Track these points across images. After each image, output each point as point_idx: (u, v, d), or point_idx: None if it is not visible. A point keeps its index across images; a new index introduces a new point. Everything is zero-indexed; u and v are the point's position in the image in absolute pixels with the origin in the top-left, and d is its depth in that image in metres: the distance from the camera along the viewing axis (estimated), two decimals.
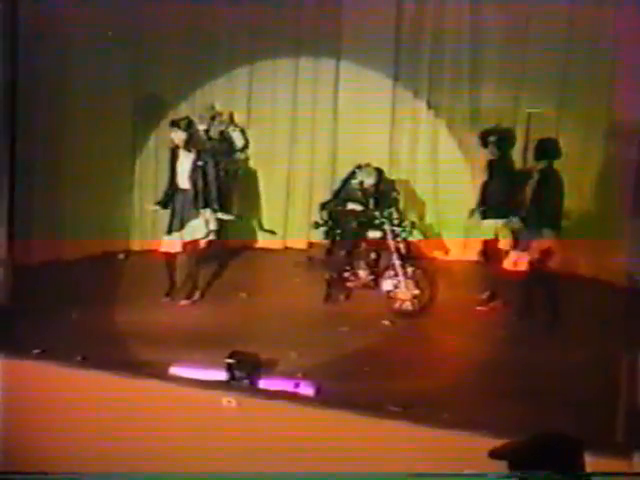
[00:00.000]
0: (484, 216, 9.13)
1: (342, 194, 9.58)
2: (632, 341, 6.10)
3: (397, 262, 8.79)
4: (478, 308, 9.00)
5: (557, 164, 8.49)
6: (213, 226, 9.03)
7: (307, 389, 6.65)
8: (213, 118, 10.64)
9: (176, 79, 10.71)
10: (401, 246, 8.85)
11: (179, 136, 8.98)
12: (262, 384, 6.75)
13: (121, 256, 10.51)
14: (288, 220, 11.29)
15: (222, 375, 6.74)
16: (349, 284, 9.19)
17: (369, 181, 9.38)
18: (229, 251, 10.43)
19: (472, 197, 9.57)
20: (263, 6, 10.65)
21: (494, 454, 3.09)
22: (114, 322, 8.24)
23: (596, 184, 9.79)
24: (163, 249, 9.10)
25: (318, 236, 10.17)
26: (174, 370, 6.92)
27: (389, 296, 8.85)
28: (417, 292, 8.79)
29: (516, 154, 9.63)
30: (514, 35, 10.17)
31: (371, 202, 9.31)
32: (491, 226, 9.08)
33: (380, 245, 9.05)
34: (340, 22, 10.85)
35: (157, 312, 8.71)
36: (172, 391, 6.60)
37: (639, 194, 8.25)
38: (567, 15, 9.85)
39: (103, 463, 6.21)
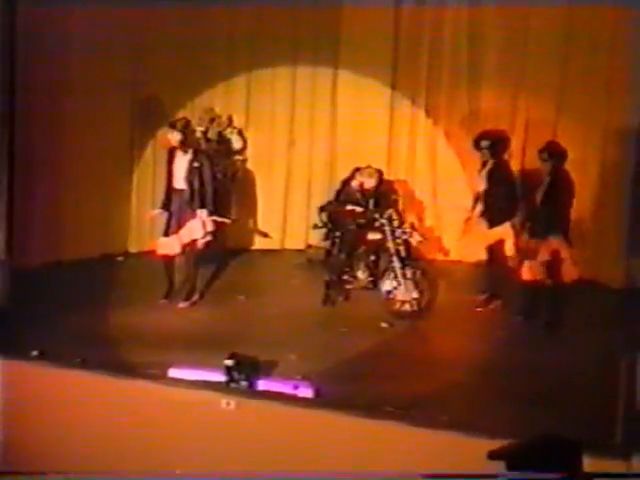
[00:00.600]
0: (491, 224, 9.04)
1: (342, 195, 9.59)
2: (631, 343, 6.10)
3: (397, 264, 8.79)
4: (477, 309, 9.00)
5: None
6: (210, 227, 9.03)
7: (306, 391, 6.65)
8: (212, 120, 10.66)
9: (175, 85, 10.70)
10: (401, 248, 8.85)
11: (175, 137, 9.00)
12: (261, 386, 6.76)
13: (120, 258, 10.51)
14: (286, 222, 11.29)
15: (221, 377, 6.74)
16: (348, 286, 9.19)
17: (370, 183, 9.39)
18: (227, 253, 10.43)
19: (471, 199, 9.59)
20: (261, 13, 10.68)
21: (493, 455, 3.10)
22: (113, 324, 8.25)
23: (595, 186, 9.80)
24: (161, 251, 9.10)
25: (317, 238, 10.18)
26: (173, 372, 6.92)
27: (388, 298, 8.85)
28: (416, 293, 8.78)
29: (515, 158, 9.64)
30: (512, 40, 10.19)
31: (371, 203, 9.32)
32: (496, 231, 9.02)
33: (380, 247, 9.06)
34: (338, 29, 10.87)
35: (156, 314, 8.71)
36: (171, 393, 6.60)
37: (638, 195, 8.25)
38: (566, 16, 9.86)
39: (102, 464, 6.21)
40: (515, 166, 9.72)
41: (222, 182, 10.02)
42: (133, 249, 10.80)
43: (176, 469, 6.01)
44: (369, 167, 9.51)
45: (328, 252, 9.63)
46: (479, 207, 9.12)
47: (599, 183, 9.79)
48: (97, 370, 6.87)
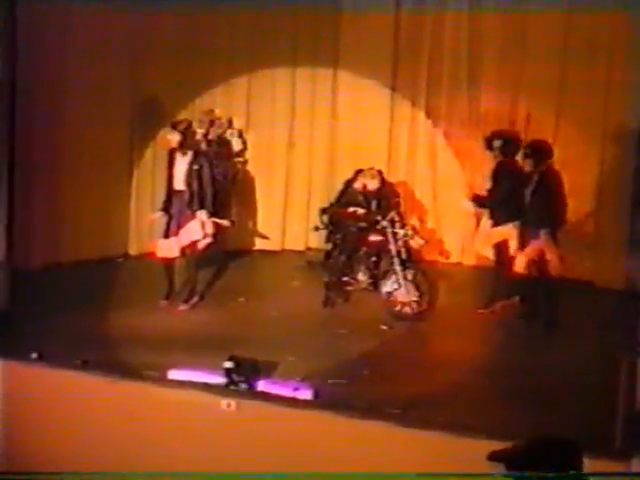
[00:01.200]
0: (496, 223, 9.03)
1: (344, 197, 9.59)
2: (631, 344, 6.10)
3: (398, 266, 8.78)
4: (478, 311, 9.00)
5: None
6: (210, 229, 9.03)
7: (306, 393, 6.65)
8: (212, 122, 10.67)
9: (176, 86, 10.70)
10: (402, 250, 8.84)
11: (175, 138, 9.01)
12: (261, 387, 6.76)
13: (120, 260, 10.51)
14: (286, 224, 11.30)
15: (221, 379, 6.74)
16: (348, 288, 9.19)
17: (373, 185, 9.39)
18: (227, 255, 10.43)
19: (471, 201, 9.59)
20: (261, 15, 10.68)
21: (492, 457, 3.10)
22: (113, 326, 8.23)
23: (594, 186, 9.80)
24: (161, 253, 9.09)
25: (317, 240, 10.18)
26: (173, 374, 6.93)
27: (389, 300, 8.84)
28: (417, 295, 8.77)
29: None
30: (512, 41, 10.20)
31: (373, 205, 9.32)
32: (503, 231, 9.01)
33: (381, 249, 9.05)
34: (338, 31, 10.88)
35: (156, 316, 8.70)
36: (171, 395, 6.61)
37: (637, 196, 8.26)
38: (565, 18, 9.87)
39: (102, 465, 6.22)
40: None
41: (222, 184, 10.01)
42: (133, 251, 10.79)
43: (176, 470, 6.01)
44: (372, 169, 9.51)
45: (328, 254, 9.63)
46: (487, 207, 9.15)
47: (598, 184, 9.79)
48: (97, 372, 6.88)
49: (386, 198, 9.43)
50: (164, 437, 6.38)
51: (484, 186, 9.21)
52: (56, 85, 9.91)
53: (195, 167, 8.99)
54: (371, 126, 10.93)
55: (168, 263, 9.13)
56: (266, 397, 6.55)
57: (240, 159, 11.01)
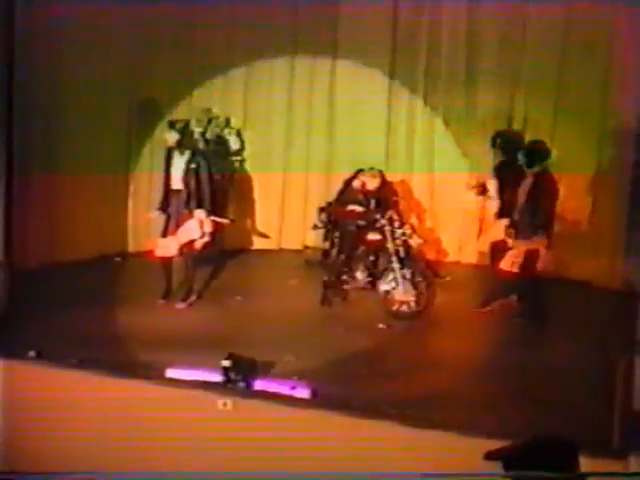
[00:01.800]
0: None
1: (344, 195, 9.59)
2: (628, 344, 6.11)
3: (396, 264, 8.78)
4: (476, 310, 9.00)
5: (553, 166, 8.51)
6: (207, 228, 9.03)
7: (303, 391, 6.65)
8: (210, 121, 10.66)
9: (173, 85, 10.69)
10: (400, 249, 8.84)
11: (172, 137, 9.02)
12: (258, 386, 6.76)
13: (118, 259, 10.50)
14: (284, 222, 11.29)
15: (218, 377, 6.74)
16: (346, 286, 9.19)
17: (372, 184, 9.38)
18: (225, 253, 10.43)
19: (470, 200, 9.59)
20: (259, 7, 10.65)
21: (490, 456, 3.10)
22: (110, 325, 8.23)
23: (592, 187, 9.80)
24: (159, 252, 9.10)
25: (314, 239, 10.17)
26: (170, 372, 6.93)
27: (387, 298, 8.84)
28: (415, 294, 8.77)
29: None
30: (510, 36, 10.18)
31: (372, 204, 9.32)
32: (501, 229, 9.02)
33: (379, 247, 9.05)
34: (337, 22, 10.85)
35: (153, 315, 8.70)
36: (168, 393, 6.61)
37: (635, 196, 8.27)
38: (564, 17, 9.86)
39: (100, 464, 6.21)
40: None
41: (220, 183, 10.01)
42: (131, 250, 10.79)
43: (173, 468, 6.01)
44: (372, 169, 9.52)
45: (326, 252, 9.63)
46: (492, 206, 9.18)
47: (596, 184, 9.79)
48: (95, 370, 6.89)
49: (385, 197, 9.43)
50: (161, 435, 6.38)
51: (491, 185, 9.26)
52: (53, 83, 9.90)
53: (193, 166, 8.99)
54: (369, 124, 10.90)
55: (166, 262, 9.13)
56: (263, 396, 6.56)
57: (238, 158, 11.01)
